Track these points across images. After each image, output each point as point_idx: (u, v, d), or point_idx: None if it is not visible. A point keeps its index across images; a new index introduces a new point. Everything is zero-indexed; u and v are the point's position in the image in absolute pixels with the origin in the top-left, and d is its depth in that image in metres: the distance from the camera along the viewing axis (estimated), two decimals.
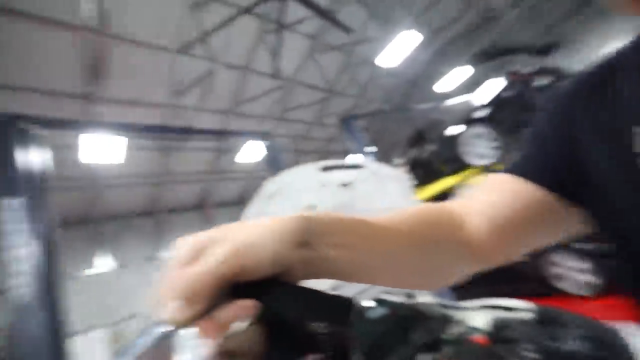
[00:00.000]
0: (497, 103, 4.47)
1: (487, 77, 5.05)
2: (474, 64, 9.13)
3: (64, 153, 5.95)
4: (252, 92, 7.62)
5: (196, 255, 0.25)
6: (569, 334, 0.43)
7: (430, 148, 4.85)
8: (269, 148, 5.14)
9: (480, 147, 4.24)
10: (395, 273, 0.35)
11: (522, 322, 0.48)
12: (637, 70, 0.34)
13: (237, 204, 10.73)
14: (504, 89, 4.53)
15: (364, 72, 9.45)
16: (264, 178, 2.37)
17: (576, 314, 0.51)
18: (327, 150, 11.76)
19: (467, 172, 4.20)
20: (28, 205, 2.50)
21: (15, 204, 2.44)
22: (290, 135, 9.79)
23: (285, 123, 9.26)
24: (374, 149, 5.45)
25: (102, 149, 5.32)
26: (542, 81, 4.54)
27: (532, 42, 9.13)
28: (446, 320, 0.35)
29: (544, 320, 0.49)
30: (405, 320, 0.30)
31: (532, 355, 0.37)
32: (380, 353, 0.26)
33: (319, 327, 0.23)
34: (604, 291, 2.87)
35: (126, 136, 5.41)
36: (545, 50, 9.17)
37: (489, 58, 9.19)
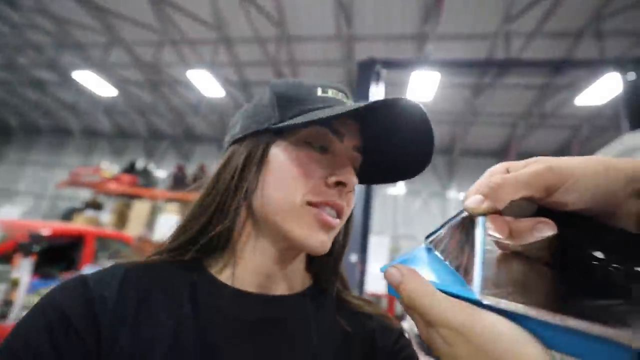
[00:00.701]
0: None
1: None
2: None
3: (397, 90, 6.91)
4: None
5: (512, 169, 0.26)
6: None
7: None
8: (634, 83, 3.28)
9: None
10: None
11: None
12: None
13: None
14: None
15: None
16: (609, 129, 1.62)
17: None
18: None
19: None
20: None
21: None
22: None
23: None
24: None
25: (423, 86, 5.60)
26: None
27: None
28: None
29: None
30: None
31: None
32: None
33: (621, 275, 0.22)
34: None
35: (444, 73, 5.31)
36: None
37: None
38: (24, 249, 2.18)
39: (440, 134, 9.46)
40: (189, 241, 0.40)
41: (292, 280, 0.44)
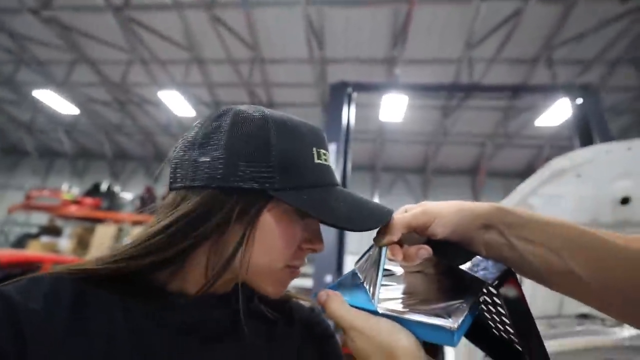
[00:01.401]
0: None
1: None
2: None
3: (367, 111, 7.07)
4: (577, 27, 5.47)
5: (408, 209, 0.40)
6: None
7: None
8: (583, 107, 3.57)
9: None
10: (614, 298, 0.31)
11: None
12: None
13: (519, 176, 9.00)
14: None
15: None
16: (567, 148, 1.91)
17: None
18: None
19: None
20: (337, 149, 3.25)
21: (333, 148, 3.15)
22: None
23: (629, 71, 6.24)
24: None
25: (392, 108, 5.78)
26: None
27: None
28: None
29: None
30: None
31: None
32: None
33: (467, 281, 0.34)
34: None
35: (412, 96, 5.52)
36: None
37: None
38: None
39: (412, 153, 9.73)
40: (129, 264, 0.38)
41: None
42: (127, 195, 8.57)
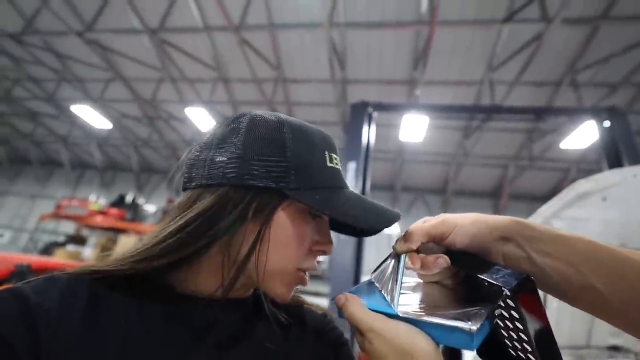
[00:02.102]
0: None
1: None
2: None
3: (387, 131, 7.09)
4: (601, 50, 5.38)
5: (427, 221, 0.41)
6: None
7: None
8: (611, 130, 3.44)
9: None
10: (636, 314, 0.30)
11: None
12: None
13: (544, 200, 8.65)
14: None
15: None
16: (595, 171, 1.79)
17: None
18: None
19: None
20: (357, 168, 3.25)
21: (353, 167, 3.15)
22: None
23: None
24: None
25: (413, 128, 5.78)
26: None
27: None
28: None
29: None
30: None
31: None
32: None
33: (485, 291, 0.34)
34: None
35: (433, 117, 5.50)
36: None
37: None
38: (17, 277, 2.05)
39: (432, 174, 9.60)
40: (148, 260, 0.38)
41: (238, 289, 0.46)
42: (151, 208, 8.85)
